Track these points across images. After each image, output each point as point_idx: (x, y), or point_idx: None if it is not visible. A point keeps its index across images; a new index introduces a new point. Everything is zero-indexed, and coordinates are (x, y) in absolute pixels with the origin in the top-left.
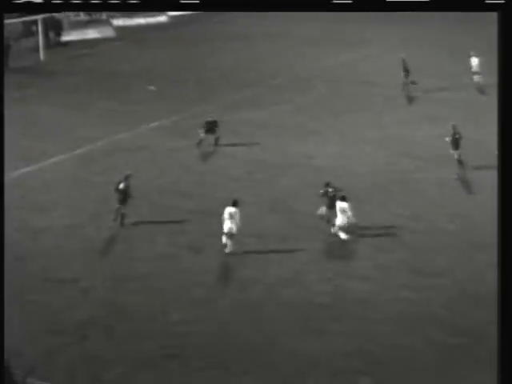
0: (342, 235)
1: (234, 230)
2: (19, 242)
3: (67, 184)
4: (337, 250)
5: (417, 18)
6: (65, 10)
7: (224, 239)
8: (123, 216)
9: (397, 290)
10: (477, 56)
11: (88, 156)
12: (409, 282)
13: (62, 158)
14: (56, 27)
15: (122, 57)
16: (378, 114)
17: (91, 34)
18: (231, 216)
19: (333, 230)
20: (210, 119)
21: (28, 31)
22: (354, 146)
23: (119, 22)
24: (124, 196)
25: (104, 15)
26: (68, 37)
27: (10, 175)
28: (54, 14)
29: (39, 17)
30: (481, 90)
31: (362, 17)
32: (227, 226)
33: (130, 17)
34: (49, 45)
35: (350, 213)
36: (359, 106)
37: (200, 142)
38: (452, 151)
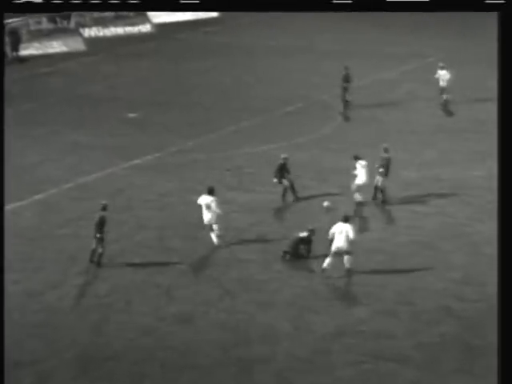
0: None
1: (214, 219)
2: None
3: (24, 238)
4: (364, 324)
5: (472, 29)
6: (65, 10)
7: (213, 237)
8: (100, 255)
9: (447, 376)
10: (447, 69)
11: (51, 203)
12: (462, 365)
13: (18, 205)
14: (12, 38)
15: (94, 76)
16: (415, 148)
17: (56, 46)
18: (208, 206)
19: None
20: (281, 161)
21: None
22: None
23: (91, 32)
24: (100, 229)
25: (72, 23)
26: (27, 50)
27: None
28: (9, 22)
29: None
30: (447, 110)
31: (403, 27)
32: (207, 217)
33: (104, 26)
34: (4, 61)
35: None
36: (391, 137)
37: (285, 194)
38: (381, 178)
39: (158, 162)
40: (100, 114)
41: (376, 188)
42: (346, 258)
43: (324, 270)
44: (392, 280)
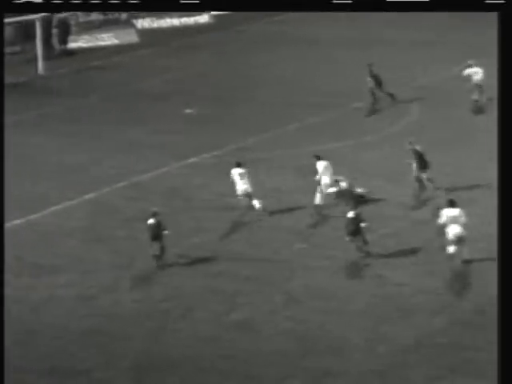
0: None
1: (250, 189)
2: (10, 318)
3: (75, 240)
4: (443, 335)
5: None
6: (65, 11)
7: (256, 203)
8: (162, 250)
9: None
10: (479, 66)
11: (103, 202)
12: None
13: (69, 204)
14: (60, 30)
15: (149, 70)
16: (489, 148)
17: (107, 39)
18: (242, 176)
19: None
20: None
21: (22, 36)
22: (466, 193)
23: (144, 23)
24: (157, 231)
25: (124, 14)
26: (76, 43)
27: None
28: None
29: (37, 16)
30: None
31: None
32: (241, 187)
33: (159, 17)
34: (50, 54)
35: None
36: (473, 137)
37: (422, 184)
38: (419, 173)
39: (217, 160)
40: (155, 110)
41: (420, 181)
42: (462, 248)
43: (452, 256)
44: (472, 288)
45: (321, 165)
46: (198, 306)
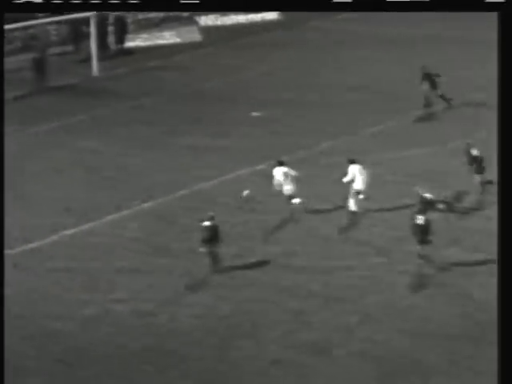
0: None
1: (294, 189)
2: (60, 335)
3: (131, 252)
4: None
5: None
6: (65, 11)
7: (295, 200)
8: (215, 257)
9: None
10: None
11: (162, 212)
12: None
13: (125, 214)
14: (117, 29)
15: (212, 70)
16: None
17: (168, 37)
18: (286, 175)
19: None
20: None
21: (75, 35)
22: None
23: (208, 20)
24: (211, 235)
25: None
26: (134, 42)
27: (47, 239)
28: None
29: (91, 14)
30: None
31: None
32: (288, 188)
33: (223, 13)
34: (106, 54)
35: None
36: None
37: (482, 187)
38: (475, 175)
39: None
40: (219, 113)
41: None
42: None
43: None
44: None
45: (354, 169)
46: (265, 324)
